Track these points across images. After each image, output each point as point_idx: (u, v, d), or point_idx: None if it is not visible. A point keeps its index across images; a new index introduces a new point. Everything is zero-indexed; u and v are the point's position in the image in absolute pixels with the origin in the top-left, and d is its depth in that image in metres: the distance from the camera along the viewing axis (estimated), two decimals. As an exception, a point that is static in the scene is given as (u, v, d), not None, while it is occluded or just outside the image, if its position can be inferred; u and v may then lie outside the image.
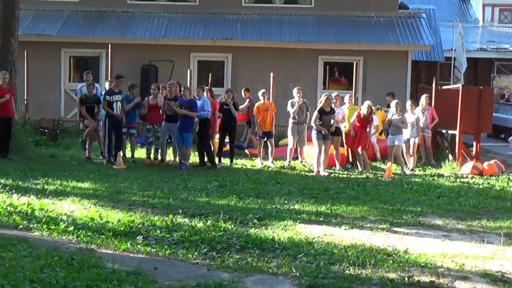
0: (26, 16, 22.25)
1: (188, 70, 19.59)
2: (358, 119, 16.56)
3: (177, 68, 22.06)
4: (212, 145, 16.90)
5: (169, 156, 17.29)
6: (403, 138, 16.87)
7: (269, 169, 16.41)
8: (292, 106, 17.15)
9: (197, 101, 16.26)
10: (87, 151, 16.88)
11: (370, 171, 16.32)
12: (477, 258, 8.24)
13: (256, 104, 17.37)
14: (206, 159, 16.46)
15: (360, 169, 16.42)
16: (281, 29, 22.88)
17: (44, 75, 21.89)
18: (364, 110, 16.53)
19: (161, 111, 16.56)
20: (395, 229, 9.89)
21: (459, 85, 20.08)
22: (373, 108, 16.85)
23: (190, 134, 16.21)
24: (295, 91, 17.28)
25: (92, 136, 16.82)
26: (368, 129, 16.63)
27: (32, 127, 19.70)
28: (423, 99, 18.26)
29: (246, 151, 18.98)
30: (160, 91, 16.76)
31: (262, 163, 16.93)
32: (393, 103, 17.22)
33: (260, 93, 17.36)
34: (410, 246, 8.72)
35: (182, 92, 16.56)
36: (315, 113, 16.31)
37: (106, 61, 21.03)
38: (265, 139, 17.33)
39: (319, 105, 16.44)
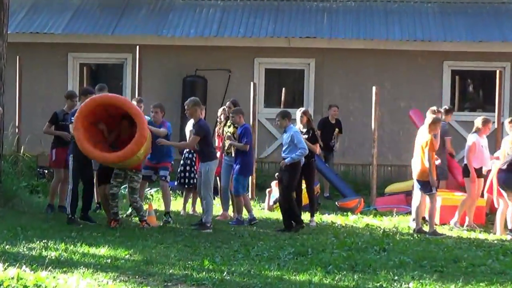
0: (19, 7, 22.71)
1: (252, 83, 19.60)
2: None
3: (235, 80, 22.17)
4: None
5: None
6: None
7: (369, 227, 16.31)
8: None
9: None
10: (50, 197, 16.96)
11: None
12: None
13: None
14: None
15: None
16: (387, 22, 22.84)
17: (45, 90, 22.16)
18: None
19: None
20: None
21: None
22: None
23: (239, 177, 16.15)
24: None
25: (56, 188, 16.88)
26: None
27: (26, 167, 19.94)
28: None
29: (336, 203, 18.94)
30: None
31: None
32: None
33: None
34: None
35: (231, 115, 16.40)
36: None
37: (132, 71, 21.16)
38: None
39: None
